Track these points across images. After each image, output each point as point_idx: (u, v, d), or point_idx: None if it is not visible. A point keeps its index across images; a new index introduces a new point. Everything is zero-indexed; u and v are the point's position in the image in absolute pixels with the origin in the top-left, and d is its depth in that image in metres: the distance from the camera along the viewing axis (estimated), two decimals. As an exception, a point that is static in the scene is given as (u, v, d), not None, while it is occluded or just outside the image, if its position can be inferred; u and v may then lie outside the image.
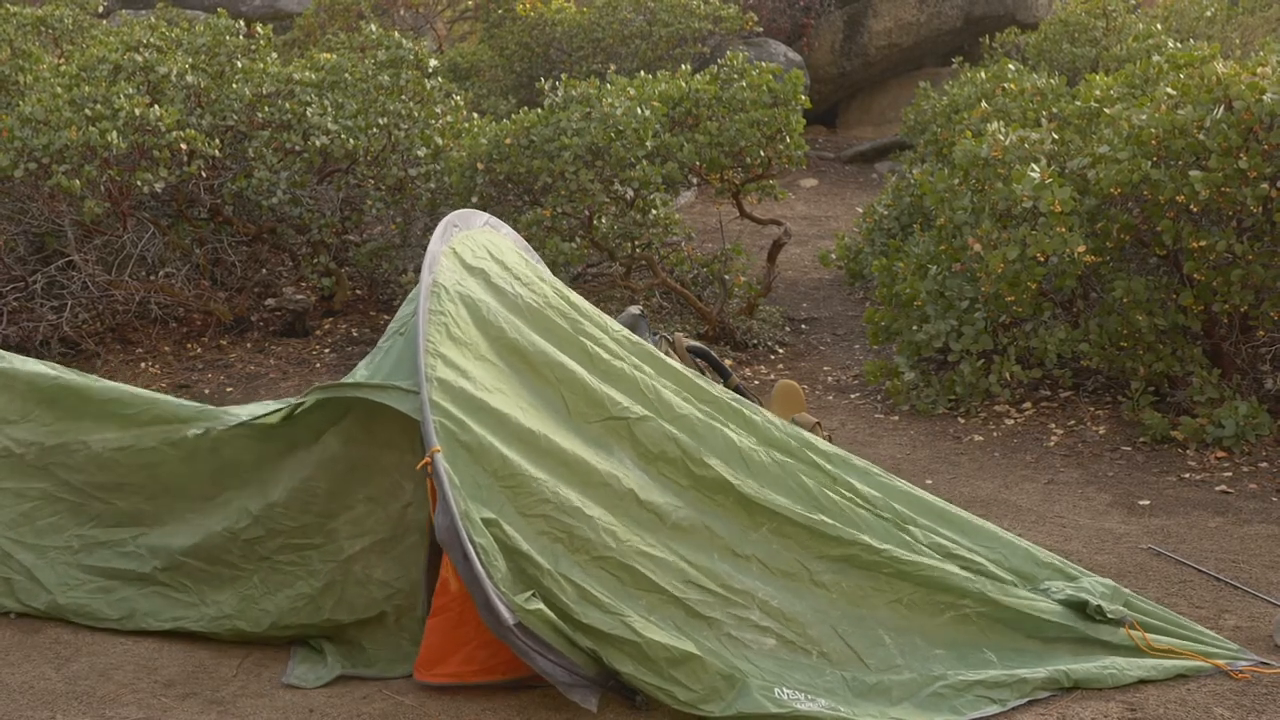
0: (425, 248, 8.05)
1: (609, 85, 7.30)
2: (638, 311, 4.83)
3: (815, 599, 3.32)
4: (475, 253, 3.69)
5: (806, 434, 3.90)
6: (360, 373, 3.46)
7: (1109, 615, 3.40)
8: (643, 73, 7.83)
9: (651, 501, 3.31)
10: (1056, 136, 6.04)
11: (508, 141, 6.93)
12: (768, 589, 3.28)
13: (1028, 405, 5.94)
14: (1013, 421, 5.79)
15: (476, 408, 3.19)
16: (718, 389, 3.88)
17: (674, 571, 3.19)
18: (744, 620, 3.20)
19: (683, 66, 7.85)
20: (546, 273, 4.04)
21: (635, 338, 3.89)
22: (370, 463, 3.51)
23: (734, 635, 3.17)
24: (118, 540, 3.78)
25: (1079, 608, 3.42)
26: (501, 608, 2.89)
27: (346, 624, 3.52)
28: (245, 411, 3.90)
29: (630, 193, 7.07)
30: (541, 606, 2.94)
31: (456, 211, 3.87)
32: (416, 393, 3.15)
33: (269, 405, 4.20)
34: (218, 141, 6.95)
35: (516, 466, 3.14)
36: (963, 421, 5.86)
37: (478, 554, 2.91)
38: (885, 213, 7.99)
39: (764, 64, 7.51)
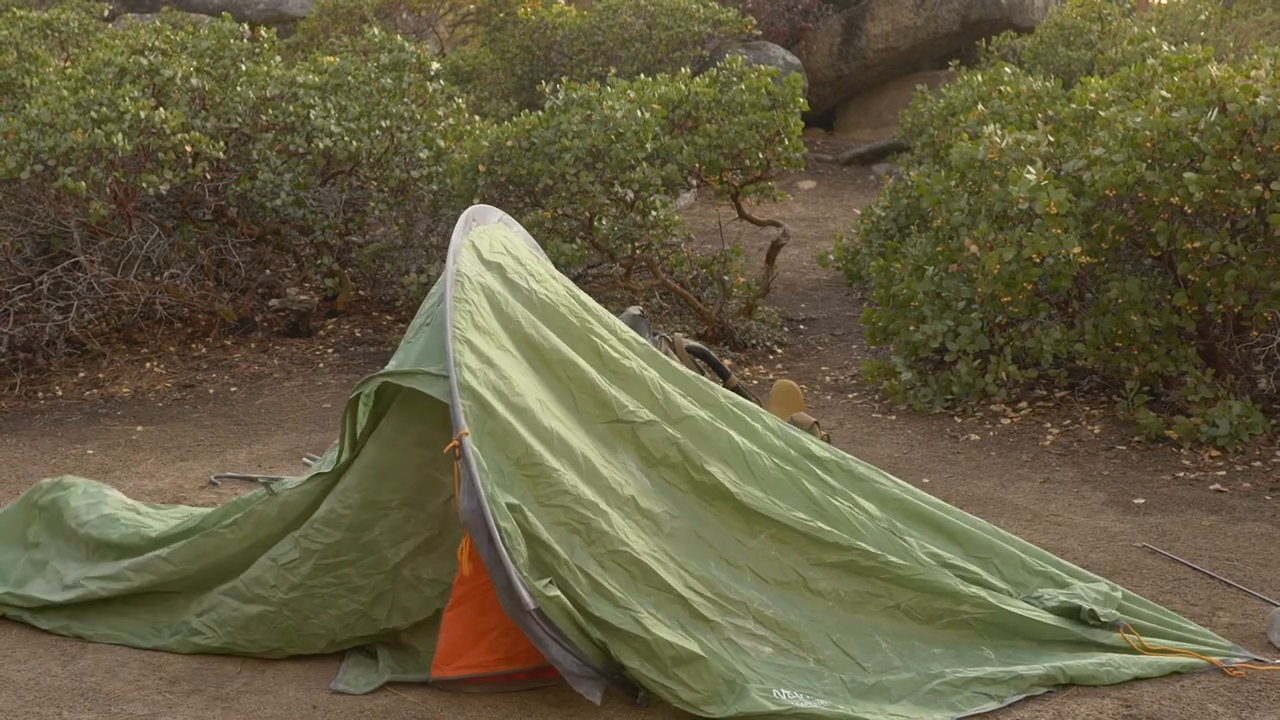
0: (427, 249, 8.12)
1: (609, 88, 7.34)
2: (638, 312, 4.87)
3: (811, 607, 3.35)
4: (492, 247, 3.69)
5: (806, 442, 3.92)
6: (390, 365, 3.44)
7: (1102, 620, 3.43)
8: (642, 75, 7.87)
9: (650, 510, 3.33)
10: (1052, 139, 6.08)
11: (509, 144, 6.97)
12: (762, 598, 3.31)
13: (1024, 405, 5.98)
14: (1009, 421, 5.83)
15: (501, 395, 3.20)
16: (720, 393, 3.90)
17: (676, 575, 3.23)
18: (741, 628, 3.23)
19: (682, 69, 7.90)
20: (555, 271, 4.06)
21: (641, 340, 3.91)
22: (402, 465, 3.45)
23: (734, 640, 3.20)
24: (168, 602, 3.70)
25: (1072, 614, 3.45)
26: (523, 592, 2.91)
27: (404, 629, 3.47)
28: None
29: (630, 194, 7.11)
30: (559, 594, 2.97)
31: (474, 207, 3.87)
32: (445, 377, 3.15)
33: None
34: (222, 144, 6.98)
35: (538, 456, 3.16)
36: (959, 421, 5.90)
37: (502, 538, 2.93)
38: (883, 214, 8.03)
39: (762, 67, 7.56)
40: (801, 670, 3.20)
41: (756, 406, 4.07)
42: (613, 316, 3.93)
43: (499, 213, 4.02)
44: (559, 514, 3.13)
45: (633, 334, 3.90)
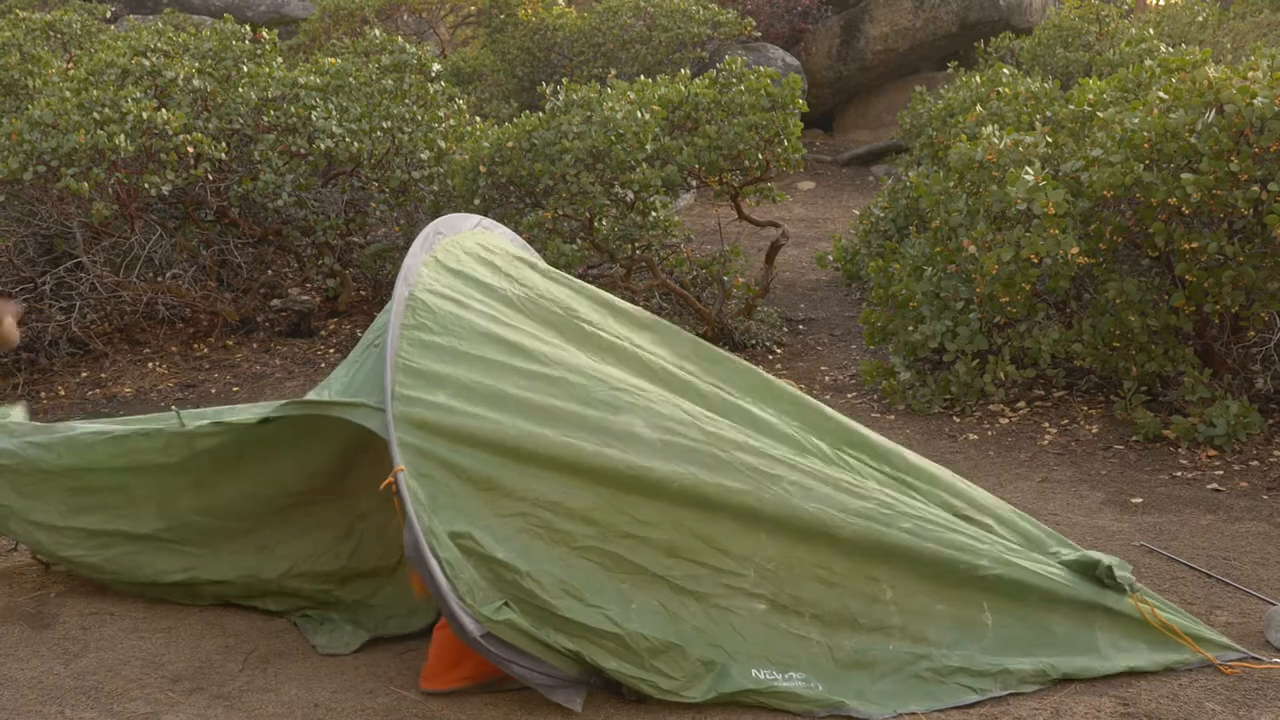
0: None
1: (609, 89, 7.37)
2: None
3: (823, 554, 3.26)
4: (460, 257, 3.68)
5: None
6: (336, 384, 3.44)
7: (1118, 579, 3.37)
8: (643, 77, 7.90)
9: (652, 469, 3.19)
10: (1050, 140, 6.10)
11: (509, 145, 7.00)
12: (773, 548, 3.22)
13: (1022, 405, 6.01)
14: (1007, 420, 5.86)
15: (451, 412, 3.15)
16: (724, 359, 3.88)
17: (662, 548, 3.15)
18: (735, 589, 3.17)
19: (682, 71, 7.93)
20: (541, 263, 4.00)
21: (654, 317, 3.92)
22: (368, 440, 3.59)
23: (723, 605, 3.15)
24: (114, 504, 3.78)
25: (1089, 568, 3.39)
26: (466, 619, 2.91)
27: (364, 571, 3.64)
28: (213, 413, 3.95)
29: (630, 195, 7.14)
30: (512, 616, 2.95)
31: (440, 219, 3.83)
32: (383, 410, 3.13)
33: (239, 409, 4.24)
34: (224, 145, 7.01)
35: (492, 468, 3.12)
36: (958, 420, 5.93)
37: (442, 568, 2.93)
38: (881, 215, 8.06)
39: (762, 68, 7.58)
40: (790, 635, 3.17)
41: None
42: (614, 299, 3.91)
43: (477, 218, 3.99)
44: (518, 522, 3.08)
45: (643, 312, 3.89)
